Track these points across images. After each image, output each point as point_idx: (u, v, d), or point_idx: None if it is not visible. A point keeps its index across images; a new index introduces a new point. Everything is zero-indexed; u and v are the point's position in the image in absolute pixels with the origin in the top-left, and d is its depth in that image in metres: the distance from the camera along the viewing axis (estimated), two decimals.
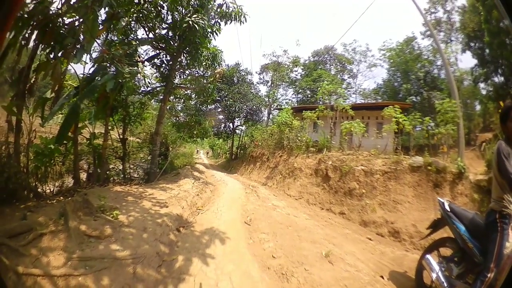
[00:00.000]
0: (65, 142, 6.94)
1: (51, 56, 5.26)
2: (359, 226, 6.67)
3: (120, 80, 5.78)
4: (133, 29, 9.84)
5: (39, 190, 5.65)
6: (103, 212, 4.31)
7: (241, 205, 7.55)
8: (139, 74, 6.18)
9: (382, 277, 3.81)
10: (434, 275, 3.12)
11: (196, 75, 12.69)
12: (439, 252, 3.42)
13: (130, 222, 4.30)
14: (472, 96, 20.29)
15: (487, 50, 17.24)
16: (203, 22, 8.38)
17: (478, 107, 20.46)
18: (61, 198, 5.23)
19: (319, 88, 14.45)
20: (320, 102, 19.05)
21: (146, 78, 5.96)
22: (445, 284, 3.00)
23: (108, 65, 6.12)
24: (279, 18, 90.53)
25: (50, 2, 4.96)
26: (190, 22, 8.22)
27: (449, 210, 3.30)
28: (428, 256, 3.39)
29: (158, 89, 11.89)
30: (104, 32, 6.25)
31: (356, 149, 10.15)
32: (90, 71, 6.27)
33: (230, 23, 10.06)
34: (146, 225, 4.32)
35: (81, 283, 2.61)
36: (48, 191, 5.99)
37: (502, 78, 16.77)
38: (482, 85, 18.95)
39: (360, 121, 10.93)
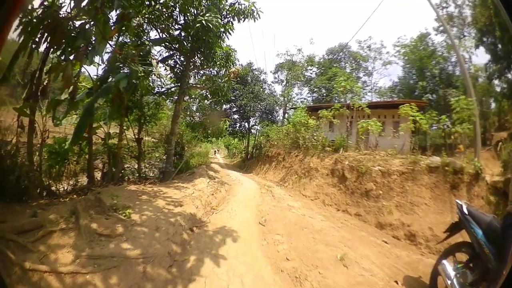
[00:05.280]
0: (79, 142, 7.05)
1: (62, 58, 5.34)
2: (375, 228, 6.50)
3: (134, 80, 5.77)
4: (146, 30, 9.90)
5: (52, 188, 5.79)
6: (116, 211, 4.30)
7: (256, 205, 7.41)
8: (153, 74, 6.15)
9: (396, 282, 3.69)
10: (448, 282, 2.98)
11: (210, 74, 12.63)
12: (455, 258, 3.27)
13: (143, 221, 4.25)
14: (487, 93, 19.26)
15: (499, 45, 16.52)
16: (216, 20, 8.29)
17: (493, 105, 19.51)
18: (75, 196, 5.32)
19: (334, 86, 14.04)
20: (336, 101, 18.65)
21: (161, 78, 5.91)
22: None
23: (121, 65, 6.14)
24: (292, 17, 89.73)
25: (59, 6, 5.04)
26: (203, 21, 8.16)
27: (467, 213, 3.15)
28: (444, 261, 3.26)
29: (172, 89, 11.96)
30: (116, 34, 6.26)
31: (373, 148, 9.83)
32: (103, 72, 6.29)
33: (244, 21, 9.94)
34: (159, 224, 4.26)
35: (88, 281, 2.57)
36: (62, 189, 6.12)
37: None
38: (496, 82, 18.14)
39: (377, 120, 10.66)
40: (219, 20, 8.59)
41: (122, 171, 8.98)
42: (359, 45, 32.69)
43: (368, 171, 7.89)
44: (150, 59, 5.98)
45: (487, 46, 17.99)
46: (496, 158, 8.35)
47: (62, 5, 5.05)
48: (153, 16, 9.22)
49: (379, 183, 7.40)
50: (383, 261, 4.36)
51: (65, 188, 6.22)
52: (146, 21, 9.23)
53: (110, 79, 6.54)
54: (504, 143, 7.02)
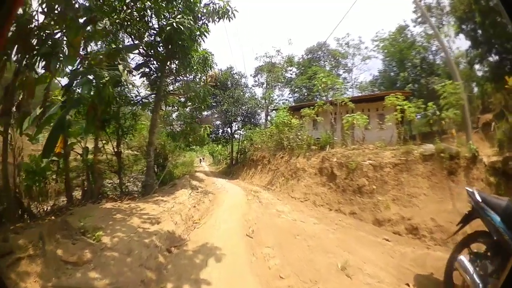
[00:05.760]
0: (56, 159, 6.99)
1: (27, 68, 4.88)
2: (373, 226, 6.13)
3: (99, 85, 5.27)
4: (119, 37, 9.41)
5: (32, 209, 5.60)
6: (84, 234, 3.87)
7: (242, 214, 6.95)
8: (124, 81, 5.61)
9: (408, 285, 3.39)
10: (467, 276, 2.73)
11: (187, 80, 12.14)
12: (470, 249, 3.04)
13: (114, 244, 3.80)
14: (469, 78, 19.99)
15: (479, 31, 17.02)
16: (188, 22, 7.90)
17: (475, 90, 20.21)
18: (53, 217, 5.06)
19: (315, 83, 13.92)
20: (317, 99, 18.61)
21: (129, 84, 5.40)
22: (481, 285, 2.59)
23: (85, 71, 5.63)
24: (268, 19, 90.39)
25: (30, 15, 4.67)
26: (174, 23, 7.76)
27: (480, 200, 2.95)
28: (460, 257, 2.98)
29: (148, 97, 11.41)
30: (83, 38, 5.75)
31: (361, 143, 9.68)
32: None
33: (218, 21, 9.57)
34: (131, 247, 3.78)
35: None
36: (42, 210, 5.91)
37: (497, 57, 16.52)
38: (477, 66, 18.83)
39: (361, 113, 10.51)
40: (192, 22, 8.20)
41: (102, 188, 8.58)
42: (337, 42, 33.25)
43: (359, 166, 7.59)
44: (117, 64, 5.47)
45: (466, 33, 18.53)
46: (484, 140, 8.46)
47: (33, 13, 4.72)
48: (126, 22, 8.71)
49: (372, 177, 7.11)
50: (388, 262, 4.07)
51: (45, 209, 6.02)
52: (118, 27, 8.72)
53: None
54: (497, 123, 7.08)
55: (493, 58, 16.79)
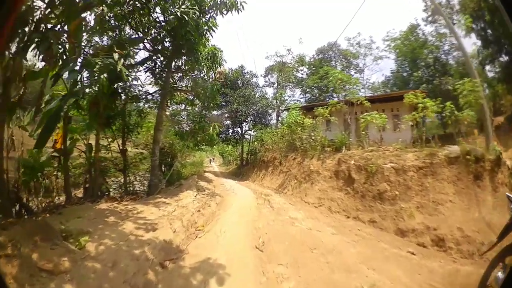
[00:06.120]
0: (57, 155, 6.85)
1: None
2: (395, 237, 5.51)
3: (89, 73, 4.81)
4: (126, 34, 9.09)
5: (32, 205, 5.67)
6: (66, 239, 3.47)
7: (252, 221, 6.31)
8: (118, 69, 5.11)
9: None
10: None
11: (195, 77, 11.65)
12: (505, 264, 2.65)
13: (98, 253, 3.33)
14: (481, 79, 19.19)
15: (489, 30, 16.41)
16: (193, 12, 7.40)
17: (486, 91, 19.66)
18: (47, 215, 4.96)
19: (330, 78, 13.14)
20: (329, 99, 17.90)
21: (123, 72, 4.87)
22: None
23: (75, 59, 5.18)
24: (279, 18, 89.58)
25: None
26: (178, 13, 7.26)
27: None
28: (498, 273, 2.61)
29: (154, 94, 11.02)
30: (78, 25, 5.31)
31: (379, 144, 9.00)
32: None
33: (226, 13, 9.06)
34: (118, 258, 3.27)
35: None
36: (40, 206, 5.86)
37: (507, 58, 15.87)
38: (488, 67, 18.01)
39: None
40: (197, 12, 7.68)
41: (102, 186, 8.42)
42: (348, 42, 32.14)
43: (379, 170, 6.91)
44: (112, 53, 4.98)
45: (477, 32, 17.81)
46: (499, 142, 8.15)
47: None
48: (130, 15, 8.32)
49: (394, 182, 6.41)
50: (416, 280, 3.58)
51: (43, 206, 5.95)
52: (122, 20, 8.32)
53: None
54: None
55: (503, 58, 16.22)
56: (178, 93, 12.94)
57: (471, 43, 20.07)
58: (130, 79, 9.32)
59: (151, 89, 11.46)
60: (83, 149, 8.12)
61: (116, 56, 4.92)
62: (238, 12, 8.97)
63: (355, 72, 32.51)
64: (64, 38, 4.63)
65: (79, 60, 5.54)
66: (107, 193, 8.45)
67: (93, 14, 5.24)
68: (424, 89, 20.81)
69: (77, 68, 5.61)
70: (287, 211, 7.39)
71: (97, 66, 4.53)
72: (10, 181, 5.32)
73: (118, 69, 4.82)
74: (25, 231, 3.11)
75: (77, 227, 3.81)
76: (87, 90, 7.41)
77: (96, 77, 4.78)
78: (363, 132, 9.75)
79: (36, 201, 5.92)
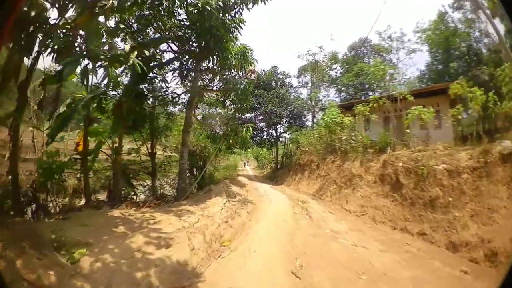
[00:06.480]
0: (79, 158, 6.88)
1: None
2: (446, 252, 4.71)
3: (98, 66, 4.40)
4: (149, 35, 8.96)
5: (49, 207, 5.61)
6: (58, 249, 3.06)
7: (287, 235, 5.37)
8: (130, 63, 4.63)
9: None
10: None
11: (225, 76, 11.19)
12: None
13: (92, 271, 2.82)
14: None
15: None
16: (216, 2, 6.90)
17: None
18: (60, 217, 4.85)
19: (372, 69, 11.87)
20: (364, 97, 16.48)
21: (139, 66, 4.36)
22: None
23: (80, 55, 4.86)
24: (308, 15, 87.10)
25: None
26: (200, 4, 6.79)
27: None
28: None
29: (181, 95, 10.82)
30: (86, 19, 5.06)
31: (427, 142, 7.98)
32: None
33: (252, 6, 8.47)
34: (113, 279, 2.71)
35: None
36: (58, 208, 5.75)
37: None
38: None
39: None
40: (220, 3, 7.17)
41: (124, 190, 8.30)
42: (379, 36, 30.07)
43: (431, 173, 5.93)
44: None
45: (501, 16, 15.44)
46: None
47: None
48: (151, 16, 8.10)
49: (447, 186, 5.53)
50: None
51: (60, 207, 5.81)
52: (144, 22, 8.15)
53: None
54: None
55: None
56: (209, 94, 12.64)
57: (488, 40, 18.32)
58: (156, 80, 9.13)
59: (179, 90, 11.26)
60: (107, 152, 8.09)
61: (127, 47, 4.50)
62: (264, 3, 8.33)
63: (389, 68, 30.30)
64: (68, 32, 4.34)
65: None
66: (129, 197, 8.27)
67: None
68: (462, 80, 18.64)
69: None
70: (327, 223, 6.46)
71: (102, 57, 4.11)
72: (28, 182, 5.40)
73: (130, 62, 4.35)
74: (13, 234, 2.91)
75: (77, 236, 3.33)
76: (111, 92, 7.33)
77: (104, 72, 4.36)
78: (408, 130, 8.49)
79: (55, 202, 5.81)
